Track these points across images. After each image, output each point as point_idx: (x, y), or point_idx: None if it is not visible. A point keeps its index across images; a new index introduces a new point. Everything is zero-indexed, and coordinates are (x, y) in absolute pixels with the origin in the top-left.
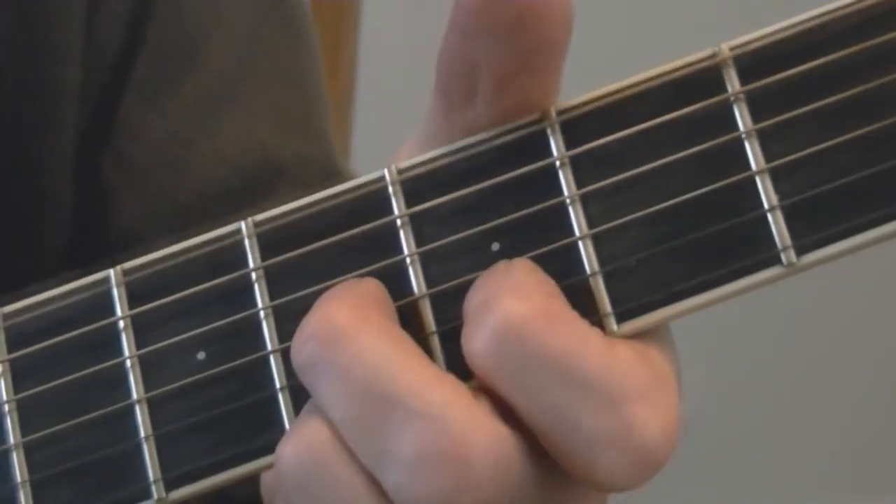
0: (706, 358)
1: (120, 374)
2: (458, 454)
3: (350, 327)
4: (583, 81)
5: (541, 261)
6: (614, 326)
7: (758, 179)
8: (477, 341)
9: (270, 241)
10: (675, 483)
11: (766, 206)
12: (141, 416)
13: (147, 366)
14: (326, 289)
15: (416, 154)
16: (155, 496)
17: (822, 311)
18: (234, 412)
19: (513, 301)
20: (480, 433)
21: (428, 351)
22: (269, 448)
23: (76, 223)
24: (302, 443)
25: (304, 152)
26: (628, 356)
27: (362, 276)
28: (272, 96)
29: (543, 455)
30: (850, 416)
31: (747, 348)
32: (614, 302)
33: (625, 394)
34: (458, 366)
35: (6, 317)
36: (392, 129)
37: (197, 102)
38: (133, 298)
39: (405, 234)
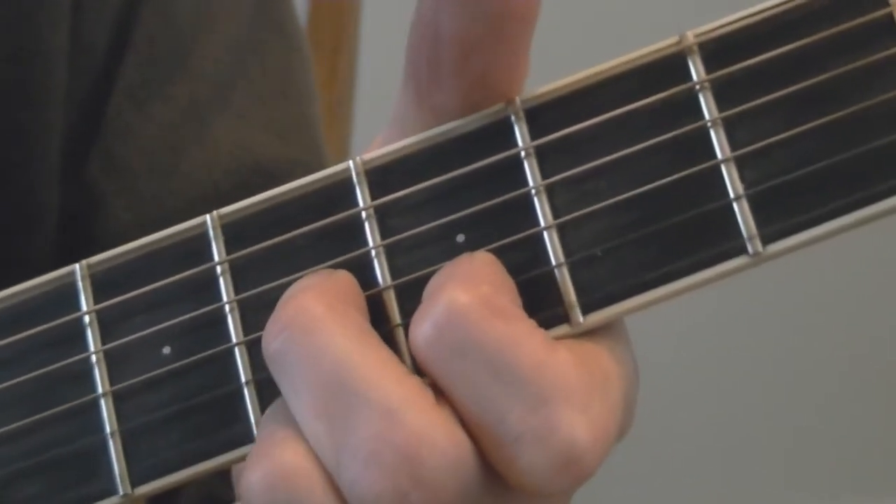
0: (706, 358)
1: (85, 369)
2: (413, 452)
3: (324, 319)
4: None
5: (506, 251)
6: (580, 318)
7: (723, 168)
8: (419, 329)
9: (235, 234)
10: (675, 483)
11: (731, 195)
12: (106, 410)
13: (113, 360)
14: (292, 282)
15: (388, 144)
16: (121, 492)
17: (822, 310)
18: (199, 406)
19: (457, 291)
20: (438, 434)
21: (394, 343)
22: (236, 442)
23: (65, 228)
24: (270, 468)
25: (296, 157)
26: (566, 359)
27: (328, 268)
28: (264, 101)
29: (486, 460)
30: (851, 416)
31: (747, 348)
32: (580, 292)
33: (554, 394)
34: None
35: None
36: None
37: (187, 107)
38: (98, 293)
39: (370, 225)
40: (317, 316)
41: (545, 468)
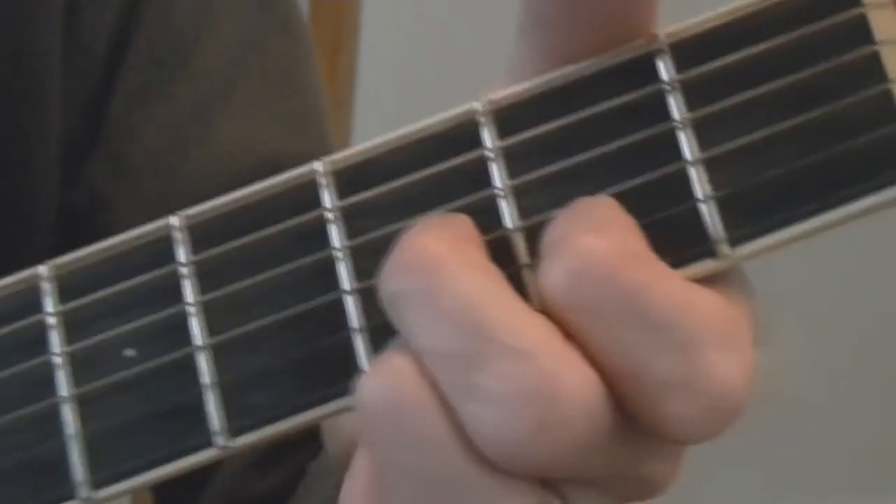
0: None
1: (49, 372)
2: (548, 393)
3: (447, 258)
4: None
5: None
6: None
7: (691, 170)
8: (552, 277)
9: (202, 236)
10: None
11: (699, 196)
12: (71, 414)
13: (77, 363)
14: (259, 283)
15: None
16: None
17: (822, 310)
18: (163, 410)
19: (590, 237)
20: (571, 374)
21: (519, 284)
22: (196, 447)
23: (69, 229)
24: (386, 376)
25: (303, 152)
26: (707, 299)
27: (284, 273)
28: (268, 98)
29: (623, 405)
30: (851, 416)
31: None
32: None
33: (700, 337)
34: None
35: None
36: (391, 129)
37: (190, 107)
38: (63, 294)
39: (336, 227)
40: (438, 255)
41: (697, 415)
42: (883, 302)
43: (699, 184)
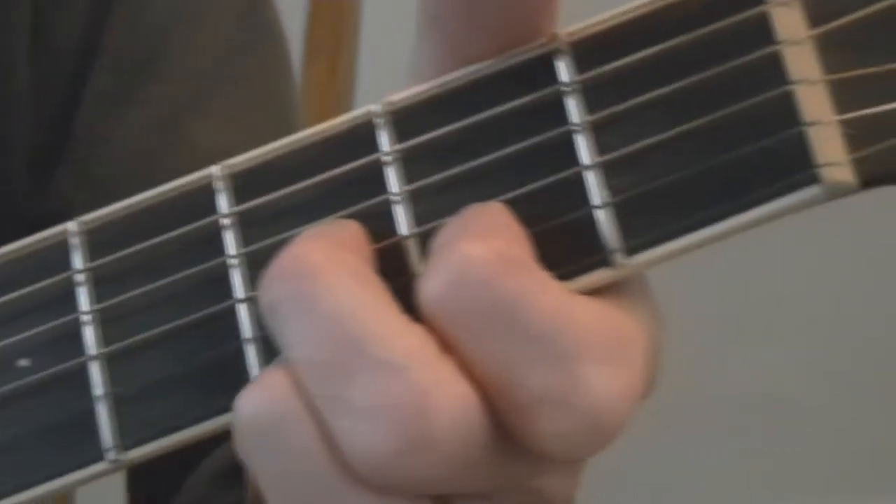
0: (703, 355)
1: None
2: (417, 408)
3: (322, 268)
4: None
5: None
6: None
7: (588, 175)
8: (430, 285)
9: (99, 242)
10: (674, 482)
11: (595, 203)
12: None
13: None
14: (154, 290)
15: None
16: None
17: (822, 310)
18: (55, 422)
19: (468, 244)
20: (442, 390)
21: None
22: (87, 461)
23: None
24: (259, 392)
25: None
26: (587, 311)
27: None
28: (242, 103)
29: (501, 420)
30: (851, 416)
31: (746, 347)
32: None
33: (576, 350)
34: None
35: None
36: None
37: (162, 112)
38: None
39: (231, 233)
40: (314, 264)
41: (570, 431)
42: (883, 302)
43: (596, 190)
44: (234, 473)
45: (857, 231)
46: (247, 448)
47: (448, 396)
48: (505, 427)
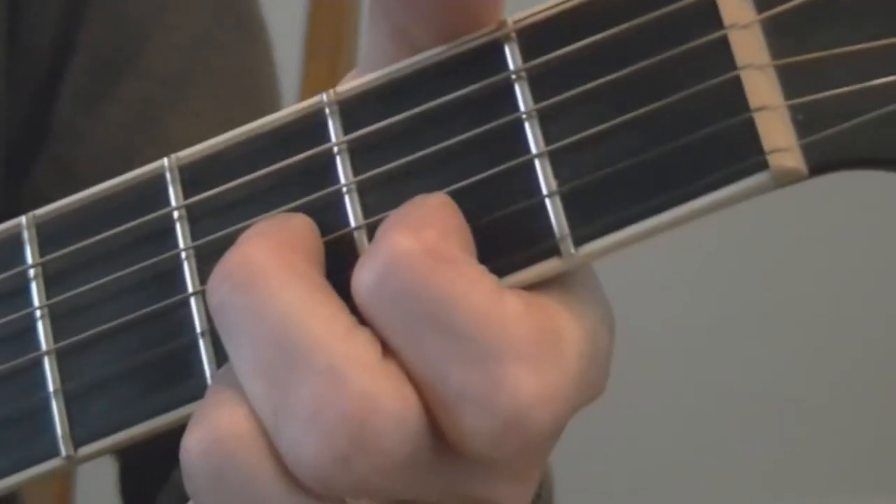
0: (704, 355)
1: None
2: (356, 414)
3: (268, 270)
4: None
5: None
6: None
7: (536, 164)
8: (359, 277)
9: (50, 236)
10: (674, 482)
11: (544, 192)
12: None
13: None
14: (105, 284)
15: None
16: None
17: (822, 310)
18: (10, 418)
19: (400, 236)
20: (382, 393)
21: None
22: (42, 457)
23: None
24: (205, 432)
25: None
26: (516, 309)
27: (130, 274)
28: (222, 100)
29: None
30: (851, 416)
31: (746, 349)
32: None
33: (498, 348)
34: None
35: None
36: None
37: (140, 107)
38: None
39: (181, 226)
40: (260, 266)
41: (489, 430)
42: (883, 302)
43: (544, 179)
44: None
45: (857, 231)
46: (199, 491)
47: (388, 401)
48: (439, 430)
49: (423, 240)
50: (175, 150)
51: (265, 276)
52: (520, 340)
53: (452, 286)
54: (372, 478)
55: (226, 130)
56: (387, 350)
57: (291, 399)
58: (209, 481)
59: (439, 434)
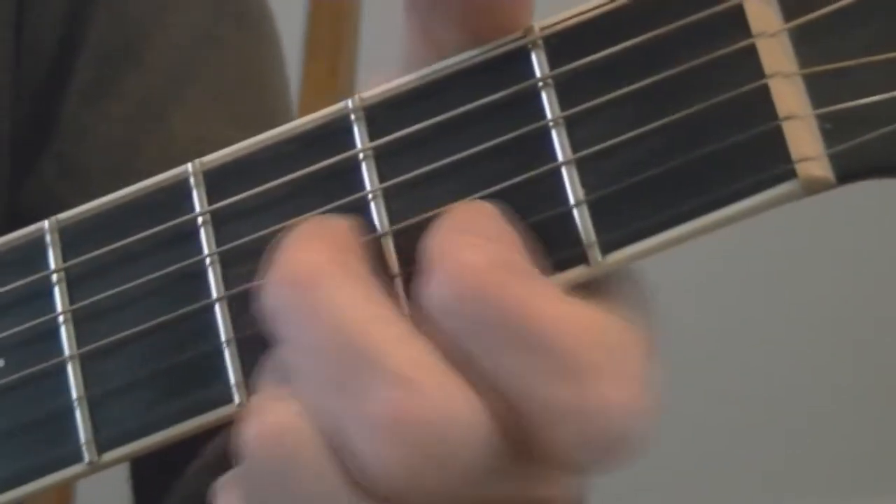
0: (705, 357)
1: None
2: (431, 422)
3: (325, 273)
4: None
5: None
6: None
7: (563, 171)
8: (431, 295)
9: (73, 240)
10: (674, 483)
11: (571, 200)
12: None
13: None
14: (128, 289)
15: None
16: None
17: (822, 310)
18: (31, 422)
19: (468, 253)
20: (455, 402)
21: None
22: (64, 461)
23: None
24: (264, 425)
25: None
26: (591, 320)
27: (154, 279)
28: (224, 94)
29: (509, 431)
30: (851, 416)
31: (746, 349)
32: None
33: (583, 361)
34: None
35: None
36: None
37: (142, 102)
38: None
39: (206, 231)
40: (317, 268)
41: (580, 443)
42: (883, 302)
43: (571, 186)
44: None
45: (857, 232)
46: (257, 484)
47: (460, 409)
48: (516, 438)
49: (492, 255)
50: (177, 145)
51: (323, 278)
52: (601, 352)
53: (529, 301)
54: (443, 486)
55: (228, 126)
56: (450, 358)
57: (361, 407)
58: (269, 476)
59: (508, 441)
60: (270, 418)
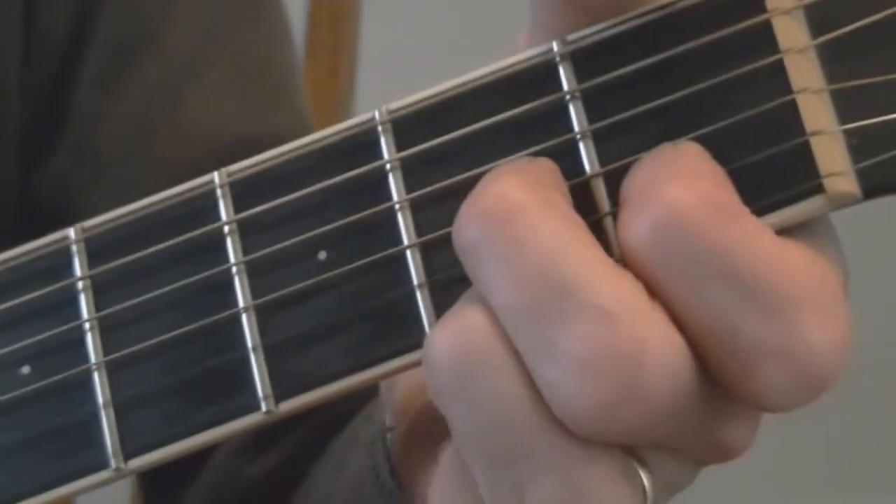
0: None
1: None
2: (630, 358)
3: (529, 206)
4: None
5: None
6: None
7: (591, 183)
8: (635, 230)
9: (99, 248)
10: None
11: (601, 212)
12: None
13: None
14: (154, 297)
15: (530, 48)
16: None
17: None
18: (56, 430)
19: (678, 188)
20: (656, 338)
21: (600, 234)
22: (90, 468)
23: (34, 223)
24: (458, 331)
25: (279, 132)
26: (800, 259)
27: (180, 288)
28: (240, 78)
29: (708, 370)
30: (851, 416)
31: None
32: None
33: (794, 299)
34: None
35: None
36: None
37: (158, 87)
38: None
39: (232, 241)
40: (520, 203)
41: (787, 382)
42: (883, 302)
43: (598, 198)
44: (255, 445)
45: (858, 231)
46: (441, 390)
47: (660, 345)
48: (711, 378)
49: (700, 191)
50: (194, 130)
51: (524, 212)
52: (811, 291)
53: (738, 238)
54: (636, 423)
55: (243, 110)
56: (653, 295)
57: (557, 338)
58: (455, 377)
59: (703, 382)
60: (460, 323)
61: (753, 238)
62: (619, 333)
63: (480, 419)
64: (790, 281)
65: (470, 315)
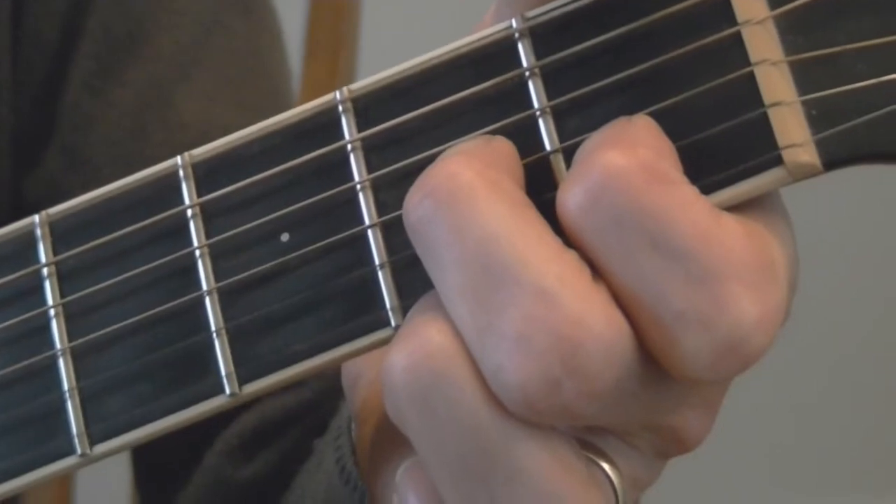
0: None
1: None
2: (567, 337)
3: (473, 187)
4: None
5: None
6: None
7: (551, 160)
8: (569, 196)
9: (64, 234)
10: (674, 482)
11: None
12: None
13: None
14: (119, 282)
15: (496, 23)
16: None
17: (822, 309)
18: (23, 417)
19: (613, 153)
20: (595, 317)
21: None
22: (57, 454)
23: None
24: (413, 347)
25: None
26: (734, 230)
27: (145, 272)
28: (231, 80)
29: (644, 344)
30: (850, 416)
31: None
32: None
33: (721, 269)
34: None
35: None
36: None
37: (148, 90)
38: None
39: (195, 224)
40: (465, 183)
41: (710, 352)
42: (883, 302)
43: (559, 174)
44: (247, 446)
45: (858, 231)
46: (404, 414)
47: (600, 324)
48: (648, 350)
49: (637, 157)
50: (185, 131)
51: (471, 193)
52: (742, 262)
53: (671, 204)
54: (578, 403)
55: (234, 112)
56: (595, 273)
57: (499, 320)
58: (414, 398)
59: (645, 360)
60: (420, 338)
61: (686, 205)
62: (558, 312)
63: (445, 437)
64: (720, 251)
65: (424, 332)
